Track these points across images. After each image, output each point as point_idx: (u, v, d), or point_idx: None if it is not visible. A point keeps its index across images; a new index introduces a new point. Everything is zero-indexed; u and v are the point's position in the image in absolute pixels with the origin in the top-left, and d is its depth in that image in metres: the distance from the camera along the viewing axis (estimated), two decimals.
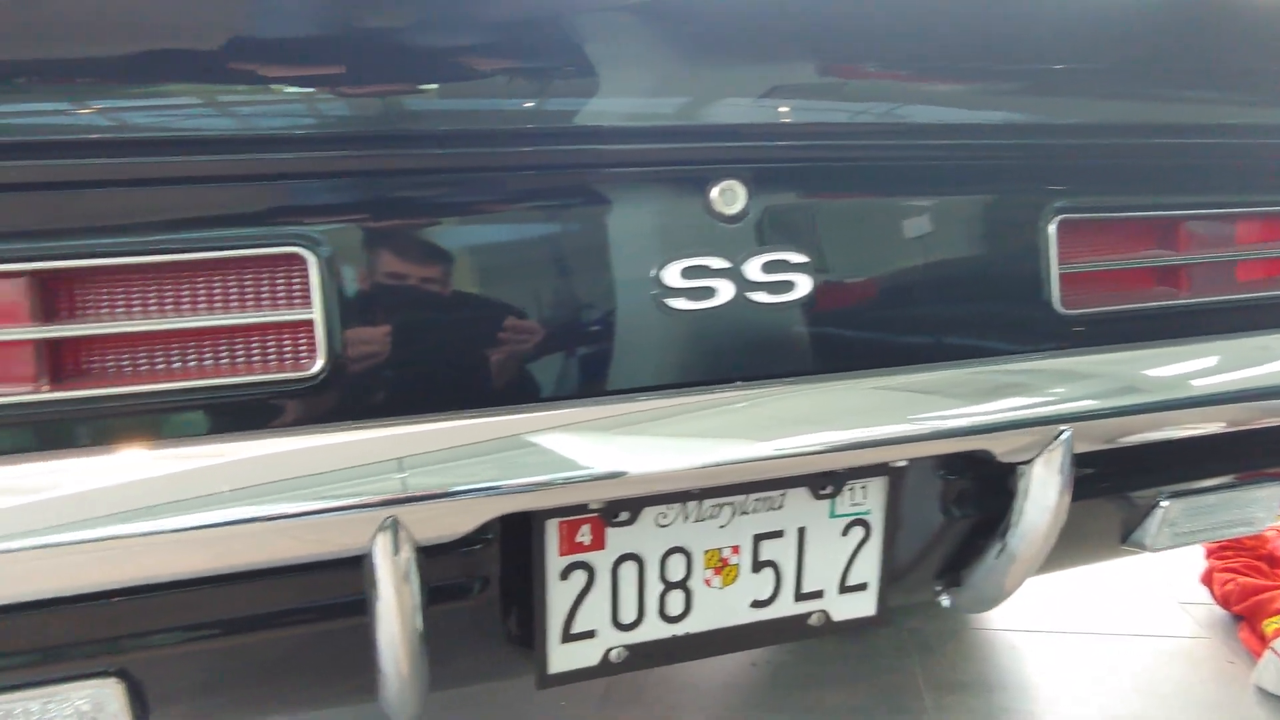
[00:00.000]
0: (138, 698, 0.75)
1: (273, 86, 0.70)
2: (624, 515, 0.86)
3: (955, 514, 1.00)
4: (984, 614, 2.01)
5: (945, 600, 1.08)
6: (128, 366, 0.72)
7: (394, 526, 0.69)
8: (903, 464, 0.90)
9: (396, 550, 0.70)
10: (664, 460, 0.76)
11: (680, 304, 0.80)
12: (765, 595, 0.94)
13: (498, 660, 0.89)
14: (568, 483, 0.73)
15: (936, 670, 1.79)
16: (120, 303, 0.71)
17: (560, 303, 0.78)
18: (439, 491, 0.70)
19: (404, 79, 0.73)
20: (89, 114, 0.68)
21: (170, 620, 0.75)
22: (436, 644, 0.81)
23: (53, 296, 0.69)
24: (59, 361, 0.70)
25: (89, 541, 0.64)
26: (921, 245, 0.88)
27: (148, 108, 0.69)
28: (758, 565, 0.93)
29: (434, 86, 0.74)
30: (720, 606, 0.93)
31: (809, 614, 0.96)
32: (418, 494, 0.70)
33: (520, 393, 0.77)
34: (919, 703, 1.69)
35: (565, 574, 0.86)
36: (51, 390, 0.69)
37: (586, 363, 0.79)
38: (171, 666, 0.77)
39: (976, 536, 1.00)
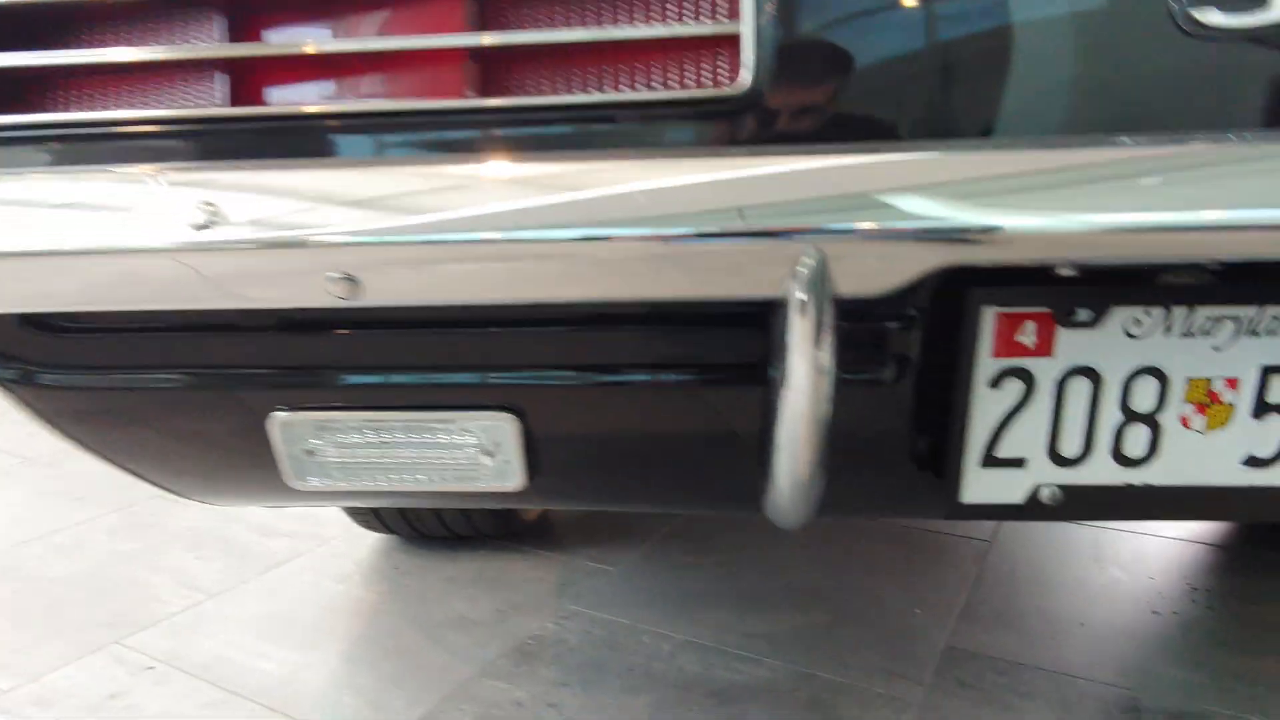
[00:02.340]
0: (531, 447, 0.74)
1: None
2: (1084, 314, 0.68)
3: None
4: None
5: None
6: (549, 79, 0.68)
7: (817, 263, 0.59)
8: None
9: (816, 291, 0.59)
10: (1164, 215, 0.57)
11: (1213, 18, 0.59)
12: (1267, 452, 0.71)
13: (901, 481, 0.76)
14: (1029, 232, 0.57)
15: None
16: (545, 12, 0.68)
17: (1037, 16, 0.61)
18: (870, 228, 0.58)
19: None
20: None
21: (560, 359, 0.71)
22: (835, 447, 0.70)
23: (485, 4, 0.67)
24: (487, 71, 0.68)
25: (494, 242, 0.61)
26: None
27: None
28: (1262, 409, 0.70)
29: None
30: (1198, 456, 0.71)
31: None
32: (844, 225, 0.58)
33: (963, 127, 0.62)
34: None
35: (997, 380, 0.70)
36: (477, 98, 0.67)
37: (1055, 93, 0.61)
38: (558, 414, 0.73)
39: None
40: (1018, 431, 0.72)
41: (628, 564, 1.79)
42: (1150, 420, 0.71)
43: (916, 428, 0.74)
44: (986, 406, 0.71)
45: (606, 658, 1.45)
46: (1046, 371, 0.70)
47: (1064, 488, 0.73)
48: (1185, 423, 0.71)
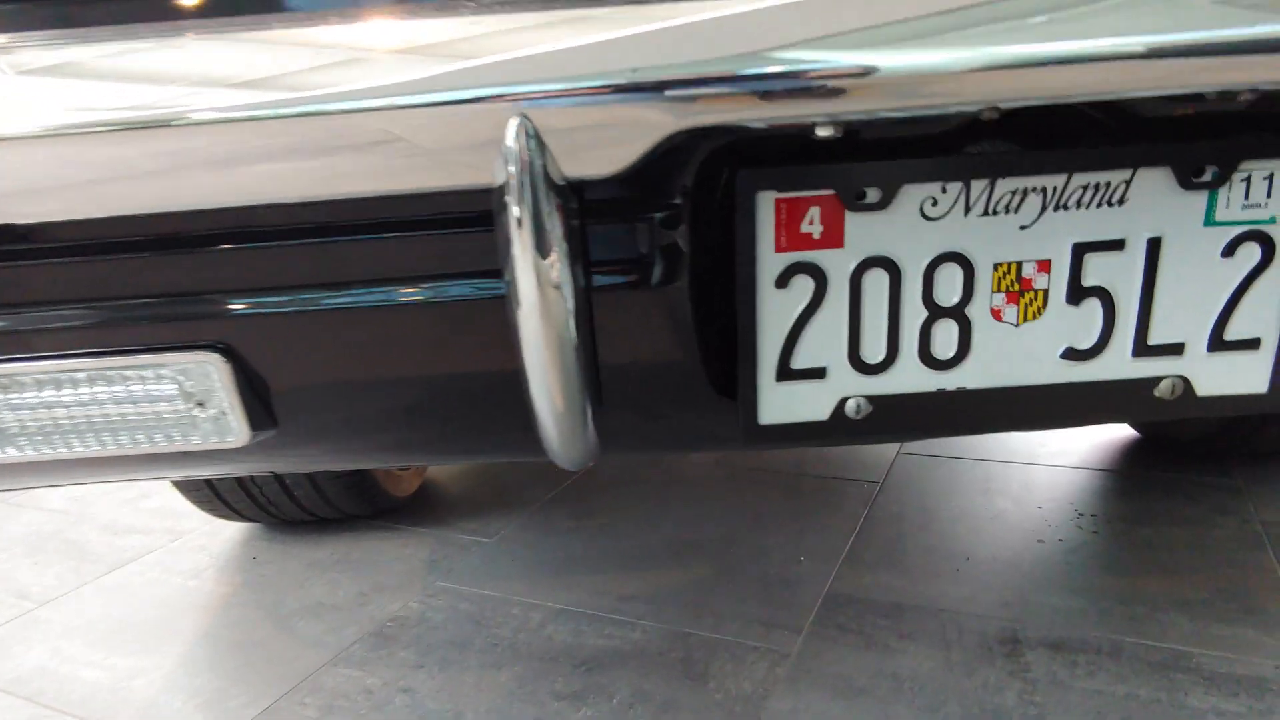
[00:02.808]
0: (249, 392, 0.63)
1: None
2: (873, 194, 0.59)
3: None
4: None
5: None
6: None
7: (527, 137, 0.48)
8: None
9: (529, 173, 0.49)
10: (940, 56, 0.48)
11: None
12: (1087, 342, 0.63)
13: (690, 406, 0.67)
14: (768, 81, 0.47)
15: None
16: None
17: None
18: (582, 87, 0.48)
19: None
20: None
21: (265, 280, 0.60)
22: (602, 370, 0.61)
23: None
24: None
25: (121, 130, 0.49)
26: None
27: None
28: (1078, 293, 0.62)
29: None
30: (1014, 353, 0.64)
31: (1156, 380, 0.64)
32: (549, 87, 0.48)
33: None
34: None
35: (784, 279, 0.61)
36: None
37: None
38: (274, 349, 0.62)
39: None
40: (814, 337, 0.63)
41: (505, 534, 1.69)
42: (958, 314, 0.62)
43: (700, 342, 0.64)
44: (776, 310, 0.62)
45: (471, 634, 1.35)
46: (838, 265, 0.61)
47: (872, 399, 0.65)
48: (996, 315, 0.63)
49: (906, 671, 1.17)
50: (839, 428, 0.65)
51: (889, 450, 1.96)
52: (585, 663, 1.25)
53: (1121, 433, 1.96)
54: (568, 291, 0.53)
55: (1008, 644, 1.22)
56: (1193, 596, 1.30)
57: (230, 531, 1.79)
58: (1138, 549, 1.45)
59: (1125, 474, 1.75)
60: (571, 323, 0.54)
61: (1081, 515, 1.58)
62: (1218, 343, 0.63)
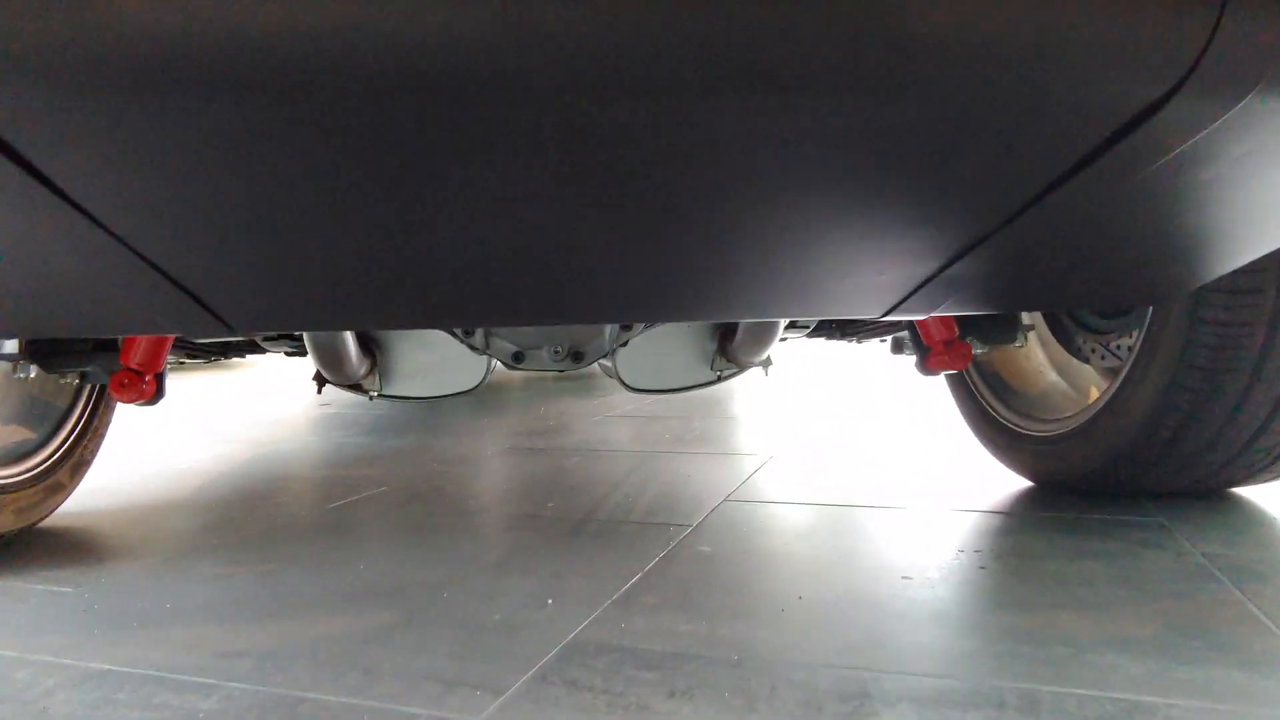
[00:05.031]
0: None
1: None
2: None
3: None
4: None
5: None
6: None
7: None
8: None
9: None
10: None
11: None
12: None
13: None
14: None
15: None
16: None
17: None
18: None
19: None
20: None
21: None
22: None
23: None
24: None
25: None
26: None
27: None
28: None
29: None
30: None
31: None
32: None
33: None
34: (1269, 640, 0.80)
35: None
36: None
37: None
38: None
39: None
40: None
41: (104, 583, 1.08)
42: None
43: None
44: None
45: None
46: None
47: None
48: None
49: None
50: None
51: (710, 496, 1.46)
52: None
53: (1010, 481, 1.52)
54: None
55: (851, 701, 0.70)
56: (1134, 633, 0.82)
57: None
58: (1045, 584, 0.98)
59: (1018, 515, 1.30)
60: None
61: (962, 552, 1.11)
62: None
